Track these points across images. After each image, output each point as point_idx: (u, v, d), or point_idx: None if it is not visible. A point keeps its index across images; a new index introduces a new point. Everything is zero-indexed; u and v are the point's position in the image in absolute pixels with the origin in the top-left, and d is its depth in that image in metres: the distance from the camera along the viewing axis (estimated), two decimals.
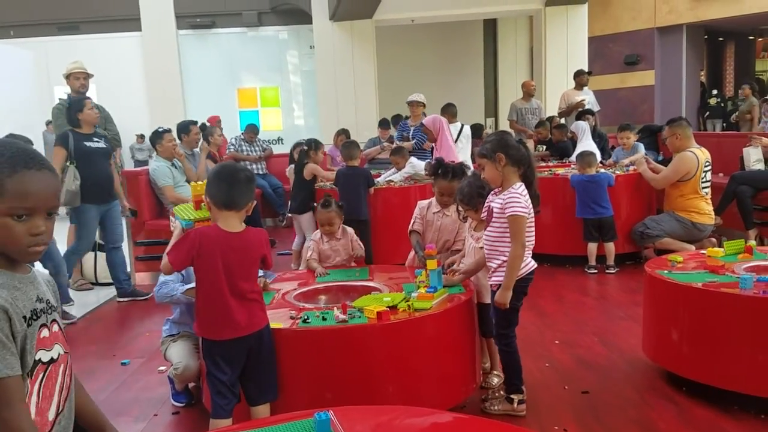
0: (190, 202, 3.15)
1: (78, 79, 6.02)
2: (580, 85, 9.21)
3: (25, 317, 1.40)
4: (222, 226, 2.54)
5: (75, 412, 1.60)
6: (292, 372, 2.78)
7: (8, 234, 1.39)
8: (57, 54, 12.01)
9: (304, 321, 2.84)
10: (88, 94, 6.14)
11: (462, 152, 6.63)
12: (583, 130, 7.49)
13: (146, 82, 12.47)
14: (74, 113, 5.33)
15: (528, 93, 9.29)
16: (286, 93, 13.75)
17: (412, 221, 3.81)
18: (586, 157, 5.82)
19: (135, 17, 12.18)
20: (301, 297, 3.31)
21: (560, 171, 6.33)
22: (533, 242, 3.02)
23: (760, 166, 6.07)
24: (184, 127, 6.44)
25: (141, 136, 13.15)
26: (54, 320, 1.53)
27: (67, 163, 5.18)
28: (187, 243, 2.51)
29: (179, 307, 3.45)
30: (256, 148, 9.21)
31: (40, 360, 1.44)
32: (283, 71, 13.84)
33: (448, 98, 13.31)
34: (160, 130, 5.95)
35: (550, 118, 9.08)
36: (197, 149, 6.48)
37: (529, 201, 2.93)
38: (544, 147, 8.36)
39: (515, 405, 3.05)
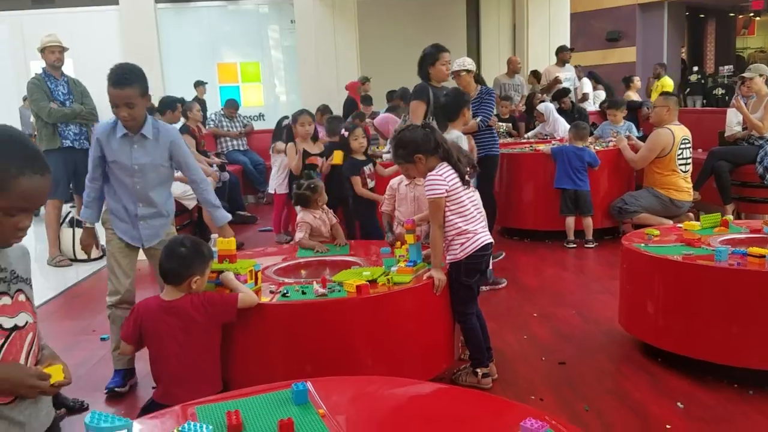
0: None
1: (53, 52, 5.90)
2: (561, 61, 9.21)
3: None
4: (162, 295, 2.65)
5: None
6: (272, 346, 2.79)
7: None
8: (32, 28, 11.74)
9: (284, 295, 2.84)
10: (64, 69, 6.04)
11: None
12: (549, 110, 7.61)
13: (124, 56, 12.20)
14: (427, 66, 4.81)
15: (513, 70, 9.29)
16: (267, 68, 13.57)
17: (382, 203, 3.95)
18: (581, 129, 5.82)
19: None
20: (281, 271, 3.31)
21: (541, 147, 6.34)
22: (478, 216, 3.03)
23: (739, 128, 6.11)
24: (170, 104, 6.38)
25: None
26: (20, 290, 1.59)
27: (428, 119, 4.62)
28: (132, 316, 2.64)
29: None
30: (237, 124, 9.14)
31: (0, 325, 1.52)
32: (264, 46, 13.64)
33: None
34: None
35: (532, 95, 9.08)
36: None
37: (453, 177, 2.95)
38: (511, 124, 8.35)
39: (480, 378, 3.09)
